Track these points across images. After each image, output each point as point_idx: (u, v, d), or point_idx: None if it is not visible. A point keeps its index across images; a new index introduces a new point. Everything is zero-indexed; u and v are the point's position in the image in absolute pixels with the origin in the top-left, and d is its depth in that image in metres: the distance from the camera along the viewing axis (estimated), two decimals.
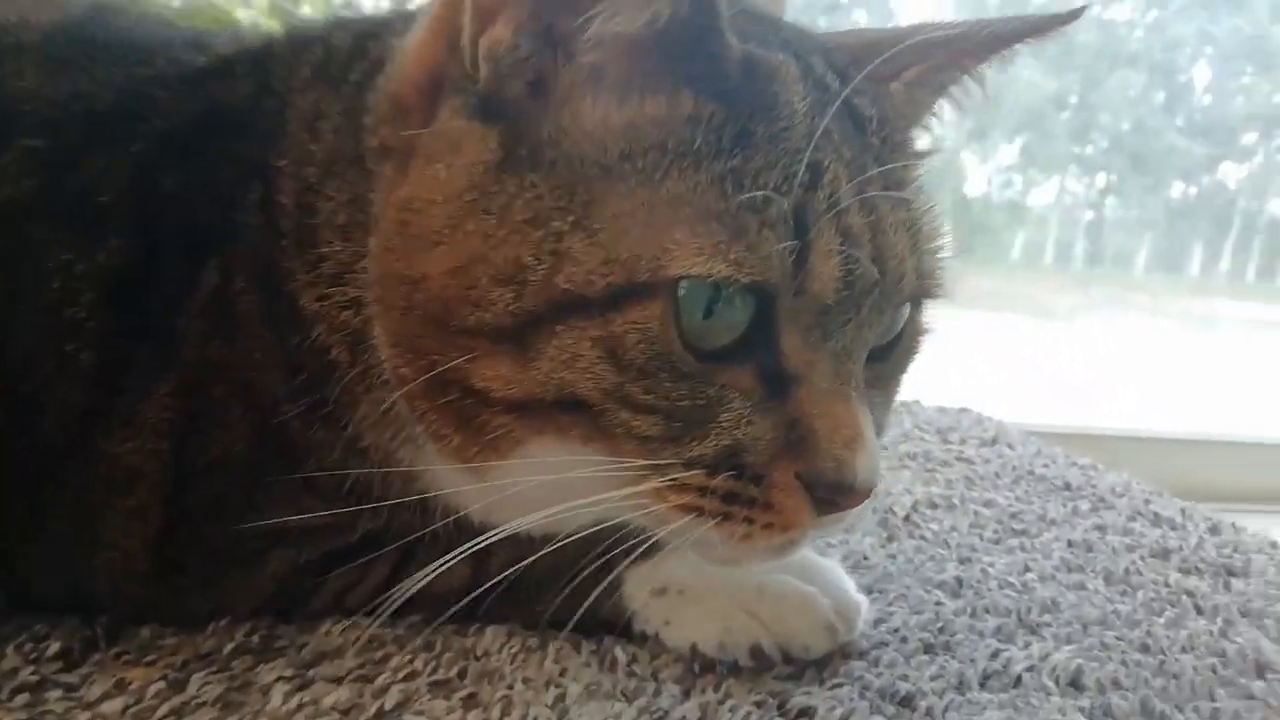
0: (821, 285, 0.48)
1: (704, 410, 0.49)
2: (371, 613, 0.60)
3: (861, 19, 3.18)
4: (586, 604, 0.58)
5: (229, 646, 0.57)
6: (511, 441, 0.52)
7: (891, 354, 0.57)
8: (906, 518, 0.91)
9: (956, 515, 0.94)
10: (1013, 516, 0.94)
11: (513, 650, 0.60)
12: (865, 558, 0.80)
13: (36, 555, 0.55)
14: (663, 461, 0.50)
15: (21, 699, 0.51)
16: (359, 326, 0.55)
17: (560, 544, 0.56)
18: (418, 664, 0.57)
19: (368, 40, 0.59)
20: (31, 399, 0.53)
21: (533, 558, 0.55)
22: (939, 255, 0.56)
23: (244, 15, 1.77)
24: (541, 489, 0.52)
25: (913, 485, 1.02)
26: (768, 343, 0.50)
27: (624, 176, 0.48)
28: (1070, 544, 0.87)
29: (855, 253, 0.49)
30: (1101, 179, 3.39)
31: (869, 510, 0.89)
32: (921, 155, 0.61)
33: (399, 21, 0.59)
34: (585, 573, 0.57)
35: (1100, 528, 0.93)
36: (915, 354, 0.60)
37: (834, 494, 0.50)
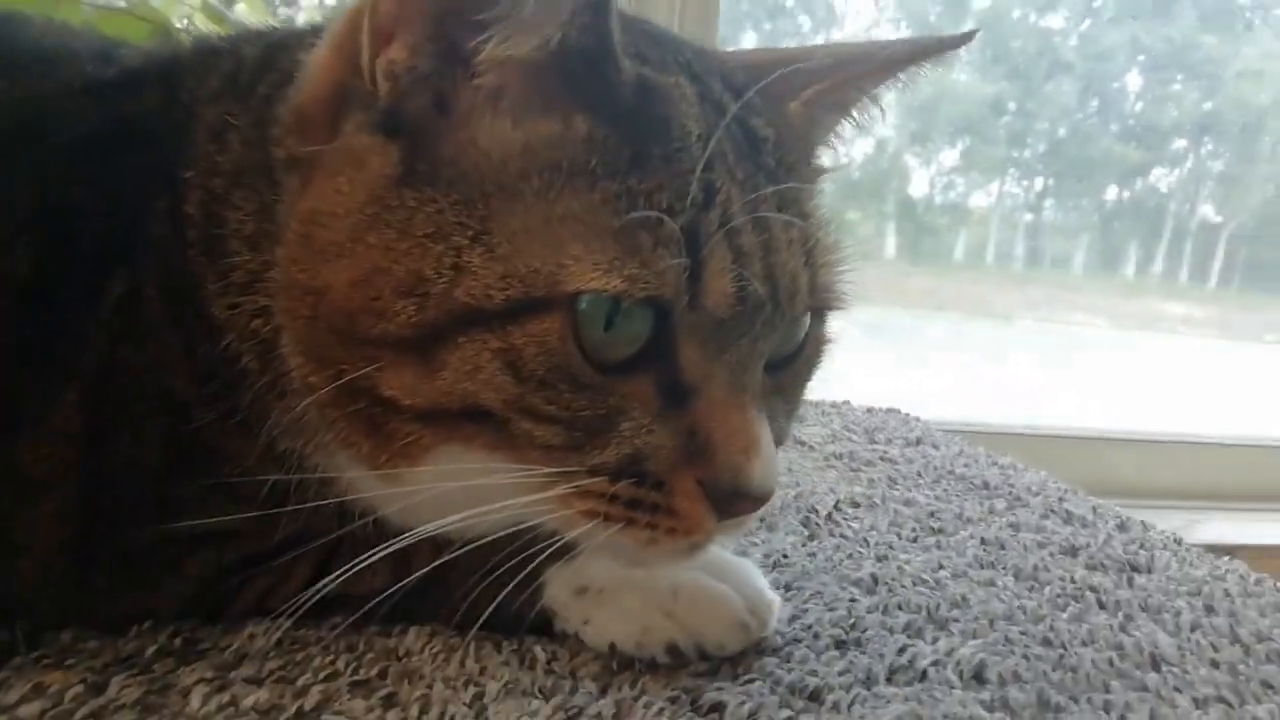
0: (715, 301, 0.50)
1: (605, 420, 0.51)
2: (295, 614, 0.61)
3: (805, 23, 3.22)
4: (505, 601, 0.58)
5: (150, 649, 0.58)
6: (420, 448, 0.53)
7: (793, 364, 0.60)
8: (828, 516, 0.94)
9: (877, 514, 0.97)
10: (931, 515, 0.97)
11: (434, 650, 0.61)
12: (785, 555, 0.82)
13: None
14: (566, 469, 0.52)
15: None
16: (268, 335, 0.55)
17: (480, 544, 0.57)
18: (339, 664, 0.58)
19: (278, 52, 0.60)
20: None
21: (450, 556, 0.57)
22: (837, 269, 0.59)
23: (179, 12, 1.75)
24: (455, 493, 0.53)
25: (837, 485, 1.05)
26: (667, 354, 0.52)
27: (522, 194, 0.50)
28: (984, 541, 0.91)
29: (747, 270, 0.51)
30: (1039, 183, 3.47)
31: (770, 512, 0.93)
32: (820, 172, 0.64)
33: (310, 34, 0.59)
34: (506, 572, 0.57)
35: (1014, 525, 0.96)
36: (817, 363, 0.63)
37: (732, 500, 0.52)
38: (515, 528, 0.56)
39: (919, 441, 1.26)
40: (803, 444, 1.23)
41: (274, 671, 0.57)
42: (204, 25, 1.72)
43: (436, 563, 0.57)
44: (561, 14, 0.49)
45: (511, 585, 0.58)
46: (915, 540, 0.91)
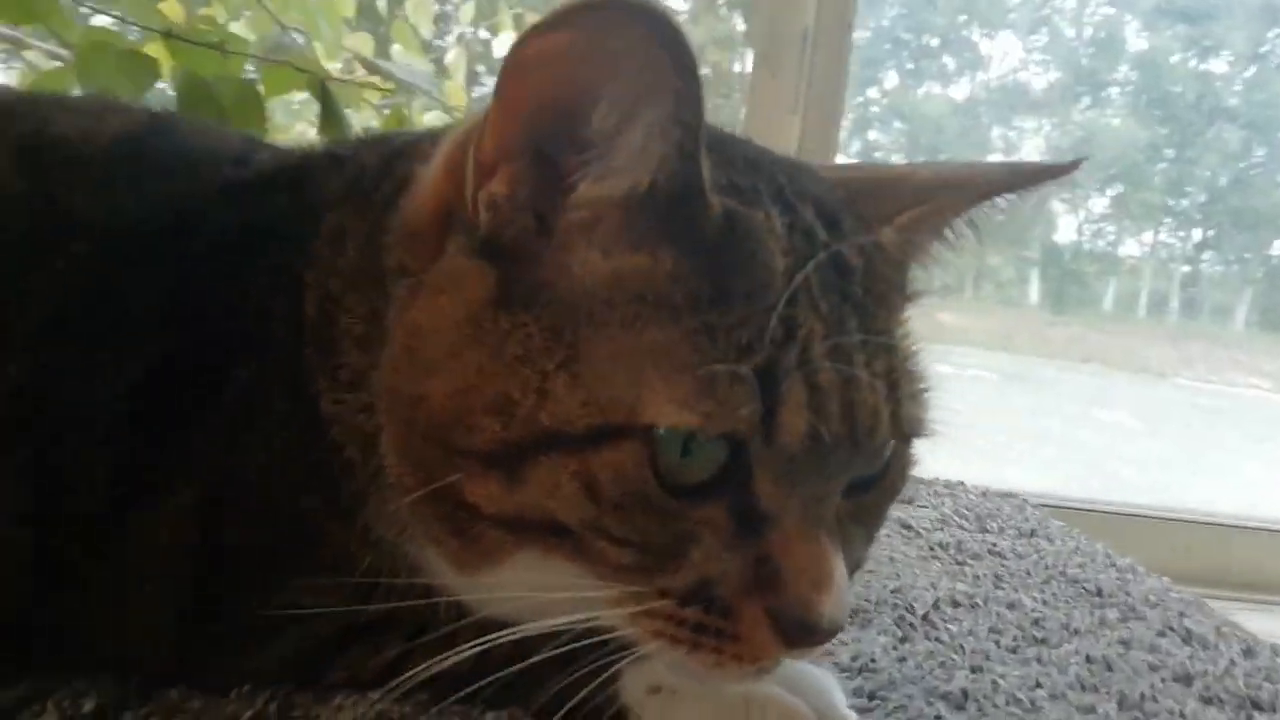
0: (789, 439, 0.51)
1: (677, 545, 0.52)
2: (385, 689, 0.64)
3: (950, 64, 3.15)
4: (583, 696, 0.60)
5: (248, 713, 0.61)
6: (504, 552, 0.55)
7: (874, 488, 0.59)
8: (925, 616, 0.92)
9: (978, 616, 0.94)
10: (1035, 623, 0.94)
11: None
12: (873, 660, 0.81)
13: (79, 616, 0.60)
14: (636, 589, 0.53)
15: None
16: (371, 430, 0.58)
17: (563, 637, 0.58)
18: None
19: (395, 160, 0.64)
20: (70, 487, 0.58)
21: (503, 651, 0.57)
22: (922, 399, 0.58)
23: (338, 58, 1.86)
24: (533, 595, 0.55)
25: (939, 580, 1.02)
26: (742, 482, 0.52)
27: (607, 323, 0.51)
28: (1089, 659, 0.87)
29: (823, 409, 0.51)
30: (1198, 233, 3.31)
31: (864, 607, 0.91)
32: (913, 298, 0.63)
33: (428, 142, 0.63)
34: (587, 666, 0.58)
35: (1125, 642, 0.92)
36: (901, 487, 0.62)
37: (799, 632, 0.52)
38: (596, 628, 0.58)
39: (1032, 534, 1.22)
40: (909, 529, 1.21)
41: None
42: (360, 73, 1.82)
43: (523, 657, 0.58)
44: (652, 161, 0.50)
45: (590, 680, 0.59)
46: (1015, 651, 0.87)
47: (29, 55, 1.85)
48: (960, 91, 3.16)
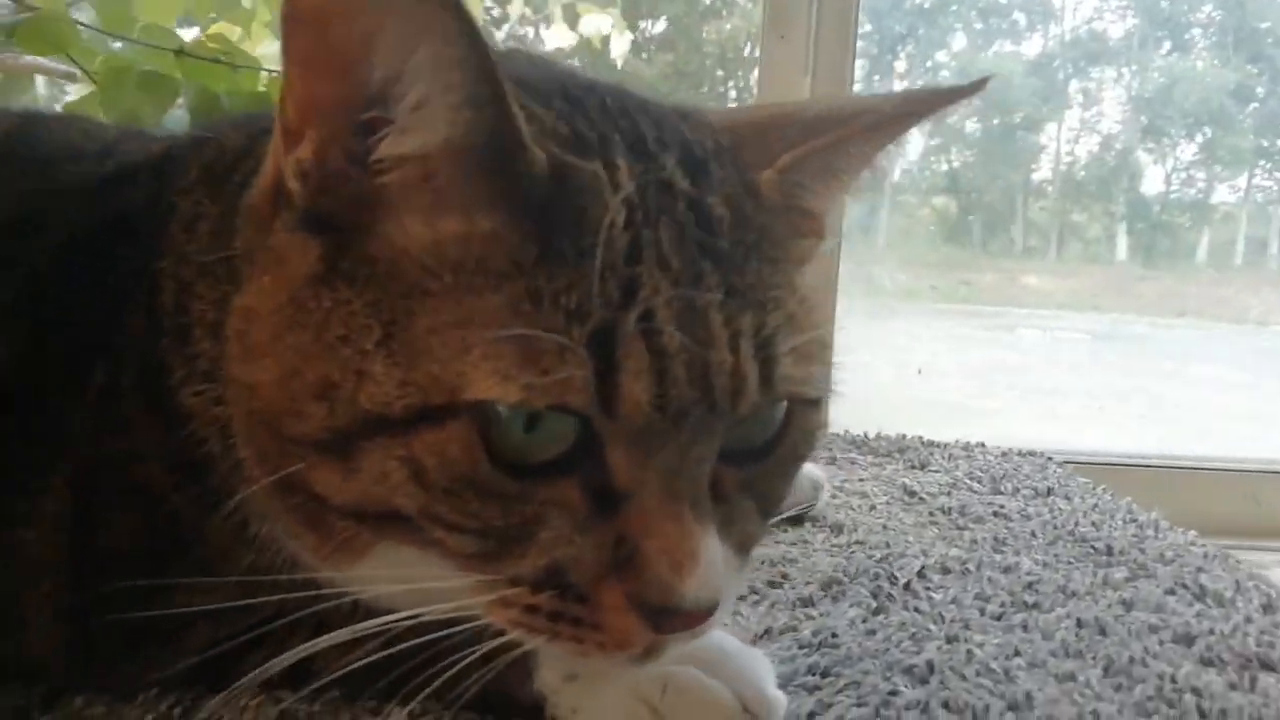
0: (630, 408, 0.46)
1: (520, 529, 0.48)
2: (294, 688, 0.62)
3: (1020, 20, 3.02)
4: (496, 681, 0.57)
5: (150, 718, 0.60)
6: (362, 543, 0.53)
7: (768, 456, 0.54)
8: (906, 585, 0.87)
9: (966, 583, 0.88)
10: (1028, 586, 0.88)
11: None
12: (835, 635, 0.76)
13: None
14: (487, 577, 0.50)
15: None
16: (228, 421, 0.56)
17: (469, 626, 0.55)
18: None
19: (260, 137, 0.60)
20: None
21: (410, 637, 0.55)
22: (809, 355, 0.53)
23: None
24: (403, 587, 0.52)
25: (932, 546, 0.97)
26: (594, 457, 0.48)
27: (426, 295, 0.48)
28: (1080, 623, 0.80)
29: (669, 374, 0.46)
30: None
31: (842, 579, 0.86)
32: (805, 247, 0.58)
33: None
34: (499, 651, 0.55)
35: (1126, 603, 0.85)
36: (803, 454, 0.57)
37: (663, 616, 0.48)
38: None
39: (1049, 492, 1.14)
40: (912, 495, 1.15)
41: None
42: None
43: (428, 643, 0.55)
44: (442, 112, 0.46)
45: (505, 669, 0.56)
46: (1000, 618, 0.82)
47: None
48: (1033, 47, 3.03)
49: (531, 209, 0.48)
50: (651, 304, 0.47)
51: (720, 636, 0.62)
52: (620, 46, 2.20)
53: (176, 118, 1.66)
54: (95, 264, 0.60)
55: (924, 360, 2.72)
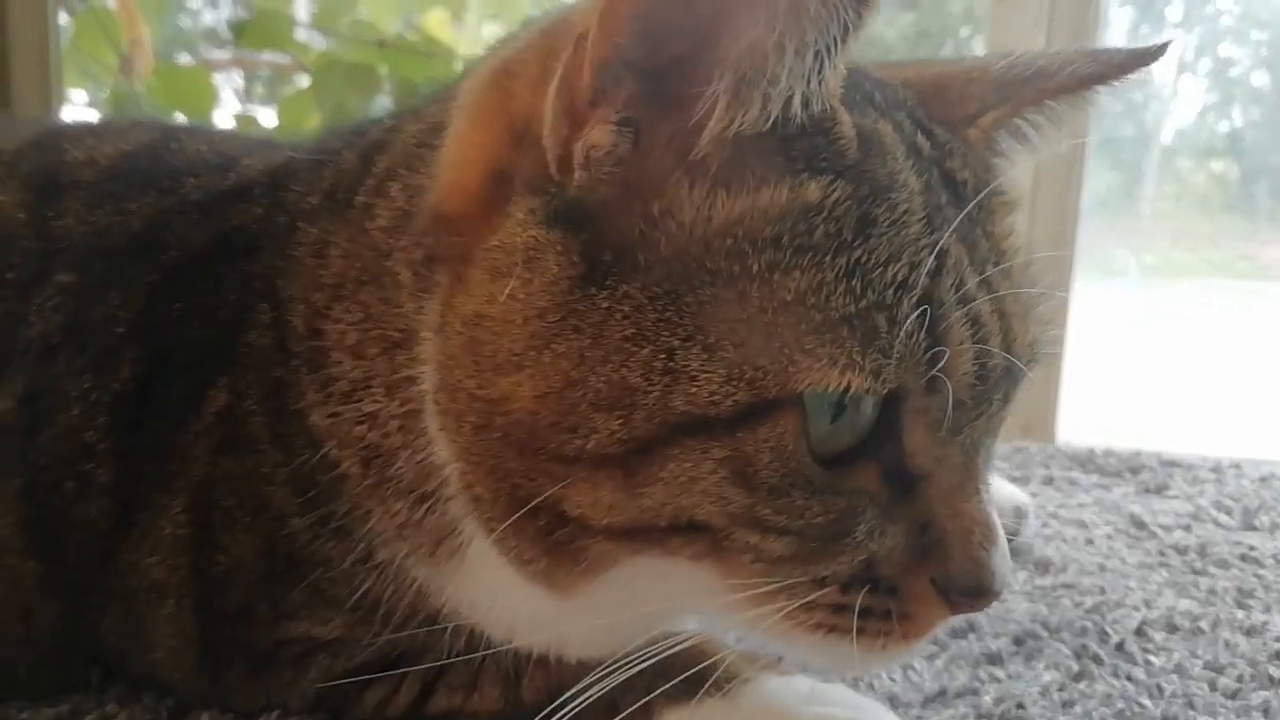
0: (956, 382, 0.45)
1: (838, 524, 0.46)
2: None
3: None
4: None
5: None
6: (605, 565, 0.50)
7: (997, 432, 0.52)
8: (1120, 645, 0.74)
9: (1197, 646, 0.74)
10: (1275, 656, 0.73)
11: None
12: (1021, 706, 0.65)
13: (111, 640, 0.62)
14: (790, 582, 0.47)
15: None
16: (375, 440, 0.54)
17: (599, 673, 0.53)
18: None
19: (373, 154, 0.59)
20: (62, 515, 0.59)
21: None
22: (1048, 317, 0.52)
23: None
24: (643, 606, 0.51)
25: (1159, 595, 0.83)
26: (891, 440, 0.46)
27: (736, 278, 0.44)
28: None
29: (987, 343, 0.46)
30: None
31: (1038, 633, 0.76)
32: (1012, 206, 0.55)
33: (408, 121, 0.59)
34: (624, 709, 0.55)
35: None
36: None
37: (969, 597, 0.48)
38: (641, 654, 0.52)
39: None
40: (1142, 527, 0.99)
41: None
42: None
43: (555, 690, 0.55)
44: (793, 82, 0.43)
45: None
46: (1235, 695, 0.68)
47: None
48: None
49: (843, 176, 0.46)
50: (960, 271, 0.46)
51: (843, 693, 0.58)
52: None
53: (381, 105, 1.77)
54: (210, 283, 0.60)
55: (1184, 350, 2.46)
